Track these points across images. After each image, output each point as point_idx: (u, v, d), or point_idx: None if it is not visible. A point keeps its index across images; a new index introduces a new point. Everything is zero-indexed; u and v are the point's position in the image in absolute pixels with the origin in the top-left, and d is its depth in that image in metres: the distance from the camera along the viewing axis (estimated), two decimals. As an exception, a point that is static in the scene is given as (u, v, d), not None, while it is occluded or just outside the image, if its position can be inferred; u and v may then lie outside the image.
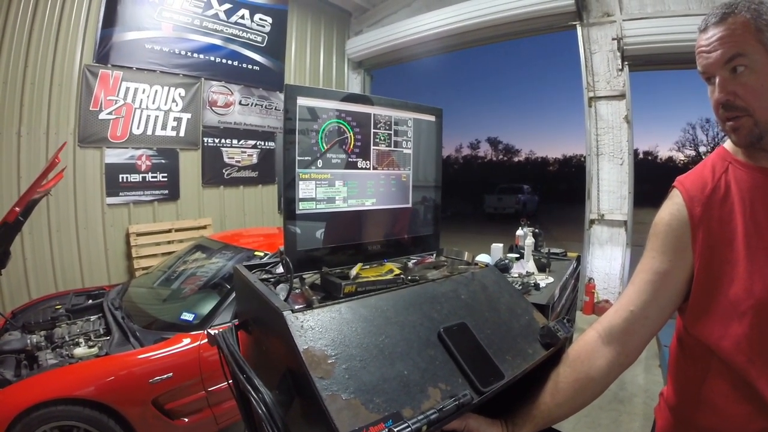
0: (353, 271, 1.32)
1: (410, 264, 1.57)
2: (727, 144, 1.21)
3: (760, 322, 1.05)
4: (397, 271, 1.39)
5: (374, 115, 1.49)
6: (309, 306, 1.11)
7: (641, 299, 1.19)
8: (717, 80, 1.08)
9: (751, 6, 1.03)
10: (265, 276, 1.42)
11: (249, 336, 1.41)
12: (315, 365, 0.95)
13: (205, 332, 1.90)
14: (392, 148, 1.56)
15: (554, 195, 33.94)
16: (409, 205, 1.64)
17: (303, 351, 0.97)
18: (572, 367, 1.23)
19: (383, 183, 1.55)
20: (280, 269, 1.43)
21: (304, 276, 1.35)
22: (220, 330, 1.36)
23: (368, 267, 1.44)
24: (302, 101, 1.29)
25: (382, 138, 1.52)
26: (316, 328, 1.03)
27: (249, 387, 1.10)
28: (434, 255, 1.70)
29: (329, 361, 0.97)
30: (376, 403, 0.93)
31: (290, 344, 0.99)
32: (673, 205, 1.20)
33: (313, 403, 0.92)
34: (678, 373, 1.30)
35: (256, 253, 3.80)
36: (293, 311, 1.06)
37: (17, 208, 3.19)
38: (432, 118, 1.66)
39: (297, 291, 1.26)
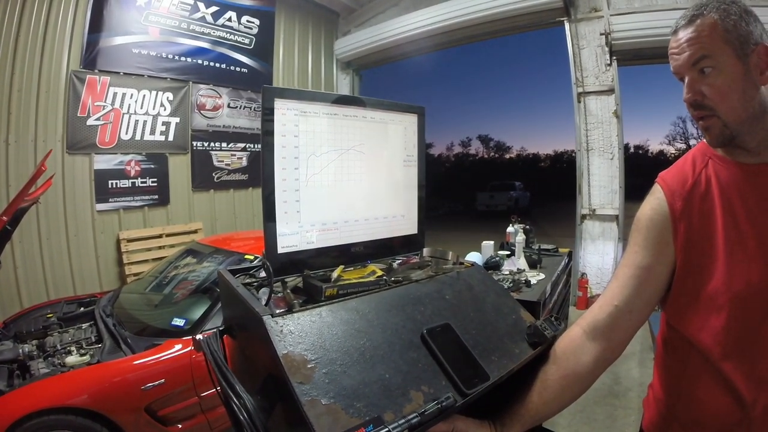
0: (334, 274, 1.31)
1: (395, 265, 1.56)
2: None
3: (737, 315, 1.07)
4: (380, 273, 1.38)
5: (354, 115, 1.47)
6: (289, 310, 1.09)
7: (625, 294, 1.19)
8: (686, 80, 1.10)
9: (721, 6, 1.05)
10: (248, 280, 1.40)
11: (234, 341, 1.40)
12: (294, 370, 0.94)
13: (192, 338, 1.89)
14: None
15: (546, 191, 33.88)
16: (393, 205, 1.62)
17: (282, 356, 0.96)
18: (558, 364, 1.24)
19: (366, 183, 1.53)
20: (264, 273, 1.42)
21: (287, 279, 1.34)
22: (205, 335, 1.35)
23: (351, 269, 1.43)
24: (280, 103, 1.27)
25: (363, 138, 1.50)
26: (296, 333, 1.02)
27: (230, 392, 1.09)
28: (419, 255, 1.70)
29: (309, 366, 0.96)
30: (356, 407, 0.92)
31: (270, 349, 0.98)
32: (655, 200, 1.21)
33: (293, 409, 0.90)
34: (662, 366, 1.32)
35: (246, 256, 3.78)
36: (273, 315, 1.05)
37: (4, 217, 3.16)
38: (414, 117, 1.65)
39: (280, 295, 1.25)
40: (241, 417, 1.03)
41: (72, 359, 3.06)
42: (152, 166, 6.59)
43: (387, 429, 0.89)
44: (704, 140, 1.22)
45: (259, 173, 1.25)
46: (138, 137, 6.38)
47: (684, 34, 1.08)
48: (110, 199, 6.16)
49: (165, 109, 6.65)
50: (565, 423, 3.66)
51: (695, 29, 1.06)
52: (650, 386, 1.41)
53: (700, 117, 1.11)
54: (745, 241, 1.08)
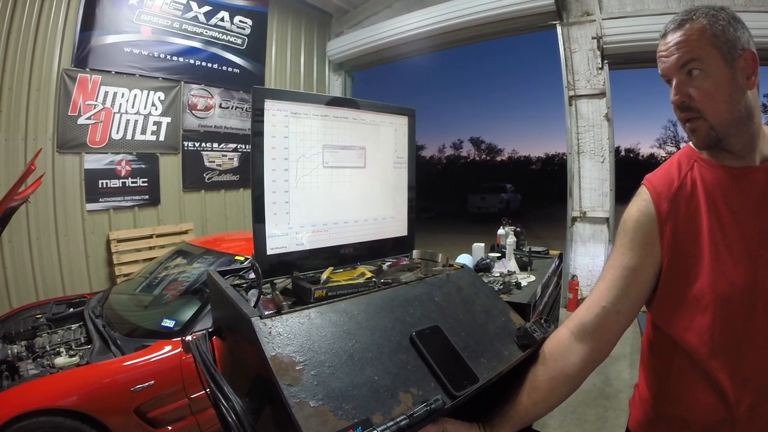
0: (324, 276, 1.30)
1: (384, 267, 1.56)
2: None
3: (722, 315, 1.08)
4: (369, 275, 1.38)
5: (345, 117, 1.47)
6: (278, 312, 1.09)
7: (612, 294, 1.20)
8: (674, 82, 1.12)
9: (710, 12, 1.07)
10: (237, 281, 1.40)
11: (223, 342, 1.39)
12: (283, 372, 0.94)
13: (181, 339, 1.88)
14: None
15: (537, 193, 34.03)
16: (384, 207, 1.62)
17: (271, 357, 0.96)
18: (546, 365, 1.24)
19: (356, 185, 1.53)
20: (253, 274, 1.42)
21: (276, 281, 1.33)
22: (195, 337, 1.34)
23: (340, 271, 1.43)
24: (271, 104, 1.27)
25: (354, 140, 1.50)
26: (284, 334, 1.02)
27: (219, 394, 1.09)
28: (409, 257, 1.69)
29: (297, 368, 0.96)
30: (345, 409, 0.92)
31: (258, 351, 0.98)
32: (641, 202, 1.22)
33: (282, 411, 0.90)
34: (648, 366, 1.34)
35: (236, 257, 3.76)
36: (262, 317, 1.05)
37: (-7, 217, 3.14)
38: (404, 119, 1.65)
39: (269, 296, 1.24)
40: (230, 419, 1.03)
41: (61, 360, 3.03)
42: (143, 166, 6.54)
43: (375, 431, 0.89)
44: (690, 143, 1.24)
45: (250, 174, 1.25)
46: (129, 137, 6.33)
47: (673, 38, 1.10)
48: (100, 199, 6.11)
49: (156, 109, 6.60)
50: (556, 424, 3.67)
51: (684, 33, 1.08)
52: (636, 386, 1.43)
53: (687, 119, 1.13)
54: (730, 243, 1.09)
